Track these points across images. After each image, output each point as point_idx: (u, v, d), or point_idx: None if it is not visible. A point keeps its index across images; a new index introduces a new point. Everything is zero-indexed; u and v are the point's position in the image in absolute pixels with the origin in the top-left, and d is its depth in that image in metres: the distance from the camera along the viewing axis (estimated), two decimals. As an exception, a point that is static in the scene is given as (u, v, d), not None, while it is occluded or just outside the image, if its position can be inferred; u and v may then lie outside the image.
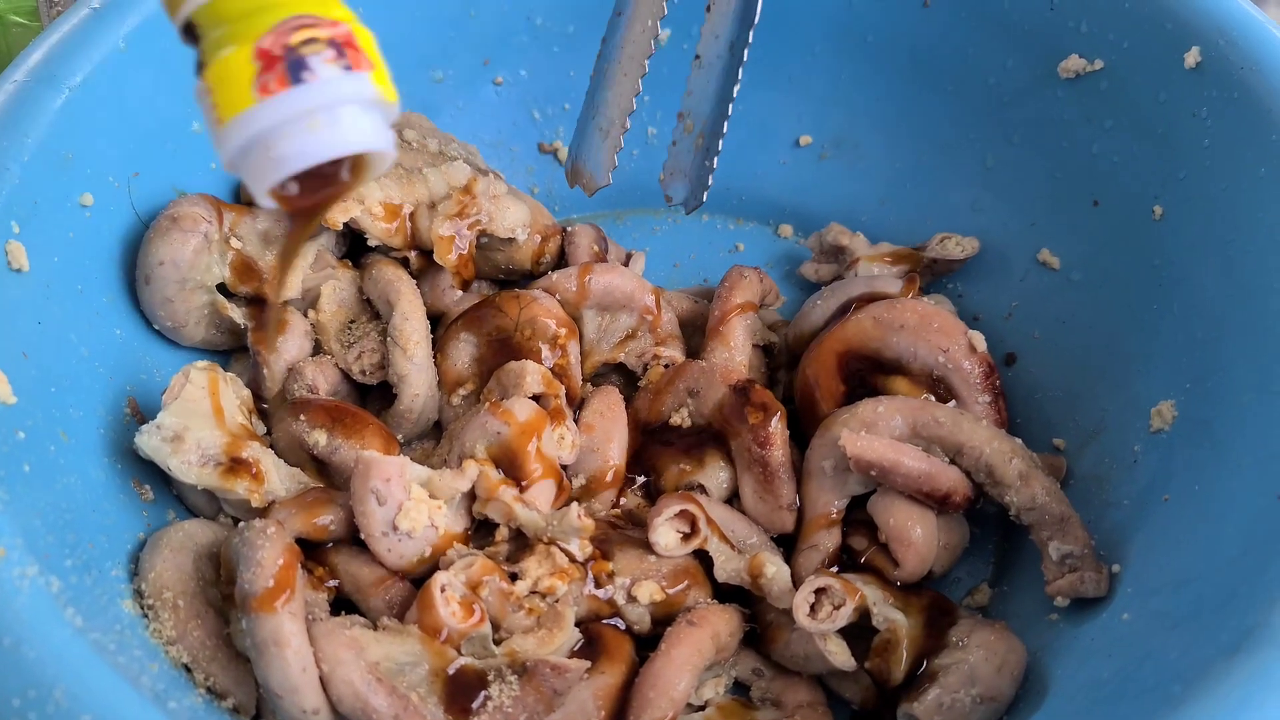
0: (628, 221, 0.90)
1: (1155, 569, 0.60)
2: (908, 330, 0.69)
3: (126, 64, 0.67)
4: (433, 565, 0.63)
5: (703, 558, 0.66)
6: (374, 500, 0.61)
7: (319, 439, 0.66)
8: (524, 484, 0.65)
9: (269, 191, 0.44)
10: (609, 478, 0.69)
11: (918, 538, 0.65)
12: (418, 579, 0.63)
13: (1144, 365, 0.68)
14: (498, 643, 0.61)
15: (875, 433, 0.66)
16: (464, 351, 0.72)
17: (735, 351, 0.74)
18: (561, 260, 0.79)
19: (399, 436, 0.71)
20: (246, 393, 0.70)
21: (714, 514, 0.66)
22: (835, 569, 0.66)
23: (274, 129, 0.41)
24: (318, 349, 0.73)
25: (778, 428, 0.67)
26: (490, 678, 0.58)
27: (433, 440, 0.73)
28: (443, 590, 0.59)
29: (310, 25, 0.42)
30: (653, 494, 0.71)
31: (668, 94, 0.72)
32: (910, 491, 0.65)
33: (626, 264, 0.81)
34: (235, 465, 0.63)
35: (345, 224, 0.71)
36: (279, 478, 0.65)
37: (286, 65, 0.41)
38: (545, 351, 0.70)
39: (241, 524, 0.59)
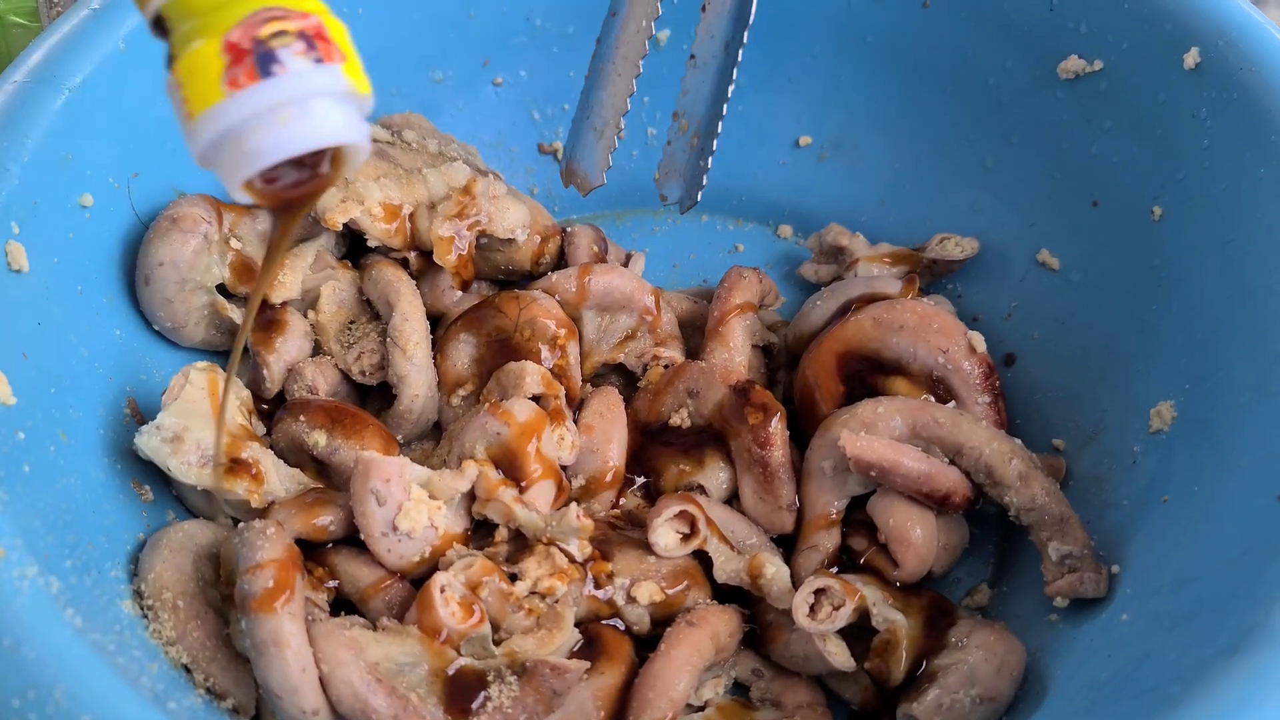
0: (628, 222, 0.90)
1: (1154, 569, 0.60)
2: (907, 331, 0.69)
3: (126, 65, 0.67)
4: (432, 566, 0.63)
5: (702, 558, 0.66)
6: (374, 501, 0.61)
7: (318, 439, 0.66)
8: (523, 485, 0.65)
9: (242, 186, 0.43)
10: (608, 478, 0.70)
11: (917, 538, 0.65)
12: (417, 579, 0.63)
13: (1143, 366, 0.68)
14: (497, 643, 0.61)
15: (875, 433, 0.66)
16: (463, 352, 0.72)
17: (735, 352, 0.74)
18: (561, 261, 0.79)
19: (399, 437, 0.71)
20: (246, 393, 0.70)
21: (713, 514, 0.66)
22: (835, 569, 0.66)
23: (244, 123, 0.41)
24: (317, 349, 0.73)
25: (777, 428, 0.67)
26: (490, 678, 0.58)
27: (432, 441, 0.73)
28: (442, 591, 0.59)
29: (280, 18, 0.42)
30: (652, 494, 0.71)
31: (668, 95, 0.72)
32: (910, 492, 0.65)
33: (626, 265, 0.81)
34: (235, 466, 0.63)
35: (345, 225, 0.72)
36: (279, 478, 0.65)
37: (255, 58, 0.41)
38: (545, 352, 0.71)
39: (241, 524, 0.59)
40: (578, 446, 0.69)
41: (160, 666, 0.55)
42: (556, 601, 0.62)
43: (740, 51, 0.66)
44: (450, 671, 0.58)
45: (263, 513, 0.63)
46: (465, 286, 0.75)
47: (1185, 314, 0.66)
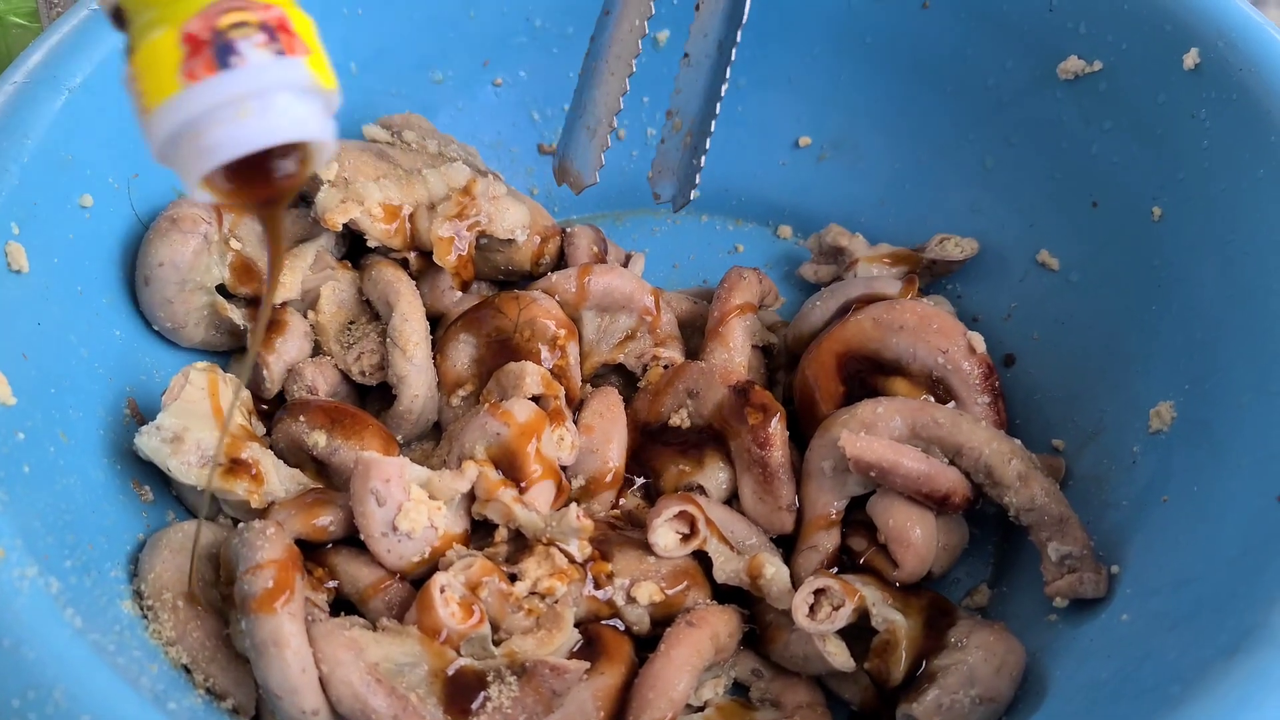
0: (627, 222, 0.90)
1: (1154, 570, 0.60)
2: (907, 331, 0.69)
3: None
4: (432, 566, 0.63)
5: (702, 558, 0.66)
6: (373, 501, 0.61)
7: (318, 440, 0.66)
8: (523, 485, 0.65)
9: (201, 184, 0.42)
10: (608, 479, 0.70)
11: (917, 538, 0.65)
12: (417, 580, 0.63)
13: (1143, 366, 0.68)
14: (497, 643, 0.61)
15: (874, 434, 0.66)
16: (463, 352, 0.72)
17: (734, 352, 0.74)
18: (561, 261, 0.79)
19: (398, 437, 0.71)
20: (246, 393, 0.70)
21: (713, 515, 0.66)
22: (834, 570, 0.66)
23: (202, 117, 0.40)
24: (317, 350, 0.73)
25: (777, 429, 0.67)
26: (489, 678, 0.58)
27: (432, 441, 0.73)
28: (442, 591, 0.59)
29: (240, 8, 0.40)
30: (652, 495, 0.71)
31: (667, 96, 0.72)
32: (909, 492, 0.65)
33: (626, 265, 0.81)
34: (235, 466, 0.63)
35: (345, 225, 0.72)
36: (278, 479, 0.65)
37: (214, 50, 0.39)
38: (544, 352, 0.71)
39: (241, 525, 0.59)
40: (577, 447, 0.69)
41: (160, 667, 0.55)
42: (556, 602, 0.62)
43: (734, 50, 0.66)
44: (450, 672, 0.58)
45: (263, 513, 0.63)
46: (465, 287, 0.75)
47: (1185, 314, 0.66)
